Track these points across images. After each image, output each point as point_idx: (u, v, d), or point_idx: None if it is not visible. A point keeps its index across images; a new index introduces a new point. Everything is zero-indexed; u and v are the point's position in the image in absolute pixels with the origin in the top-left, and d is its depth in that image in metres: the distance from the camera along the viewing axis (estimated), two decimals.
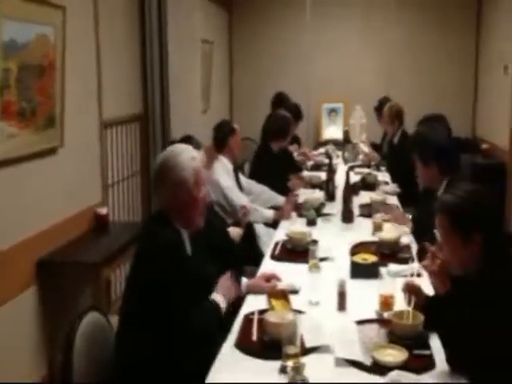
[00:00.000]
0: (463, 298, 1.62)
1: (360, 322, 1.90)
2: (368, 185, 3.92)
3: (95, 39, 3.27)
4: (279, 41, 6.66)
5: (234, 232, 3.06)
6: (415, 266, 2.34)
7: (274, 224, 3.32)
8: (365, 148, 5.08)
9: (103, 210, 3.19)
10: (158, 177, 1.85)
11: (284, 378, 1.57)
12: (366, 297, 2.08)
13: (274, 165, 4.01)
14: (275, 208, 3.49)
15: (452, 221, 1.68)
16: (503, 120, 5.09)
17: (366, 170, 4.45)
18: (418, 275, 2.21)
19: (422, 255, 2.17)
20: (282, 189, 3.94)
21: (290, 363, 1.59)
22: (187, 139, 3.07)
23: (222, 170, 3.46)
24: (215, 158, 3.50)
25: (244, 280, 2.20)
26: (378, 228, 2.83)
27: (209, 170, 3.32)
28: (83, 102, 3.15)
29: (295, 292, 2.17)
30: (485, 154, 5.50)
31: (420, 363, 1.62)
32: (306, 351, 1.70)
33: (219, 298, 1.91)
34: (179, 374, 1.73)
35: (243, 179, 3.71)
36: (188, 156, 1.84)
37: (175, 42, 4.26)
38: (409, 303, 1.80)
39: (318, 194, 3.57)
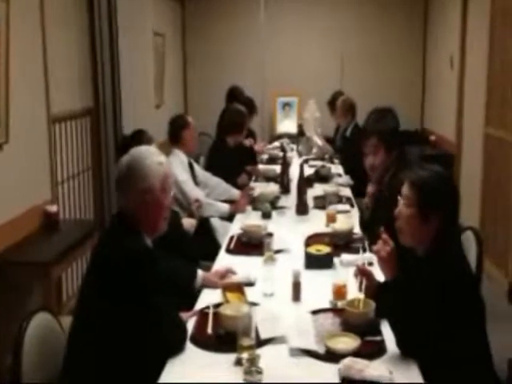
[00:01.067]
0: (409, 283, 1.68)
1: (314, 312, 1.93)
2: (322, 177, 3.98)
3: (41, 31, 3.16)
4: (233, 34, 6.65)
5: (188, 223, 3.04)
6: (367, 255, 2.40)
7: (229, 217, 3.32)
8: (319, 141, 5.14)
9: (53, 208, 3.10)
10: (122, 181, 1.78)
11: (239, 370, 1.58)
12: (320, 287, 2.12)
13: (230, 159, 4.01)
14: (231, 201, 3.49)
15: (418, 195, 1.73)
16: (450, 112, 5.27)
17: (319, 163, 4.51)
18: (370, 264, 2.27)
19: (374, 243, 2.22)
20: (238, 183, 3.95)
21: (244, 355, 1.60)
22: (139, 134, 3.02)
23: (178, 163, 3.43)
24: (170, 152, 3.47)
25: (200, 273, 2.20)
26: (331, 219, 2.87)
27: None
28: (29, 96, 3.04)
29: (251, 284, 2.18)
30: (433, 146, 5.68)
31: (372, 349, 1.66)
32: (261, 342, 1.72)
33: None
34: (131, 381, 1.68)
35: (199, 172, 3.68)
36: (155, 161, 1.77)
37: (126, 34, 4.18)
38: (360, 288, 1.85)
39: (273, 187, 3.59)
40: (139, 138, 2.97)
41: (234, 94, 5.28)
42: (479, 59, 4.44)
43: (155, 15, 5.30)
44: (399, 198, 1.81)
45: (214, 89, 6.15)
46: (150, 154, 1.80)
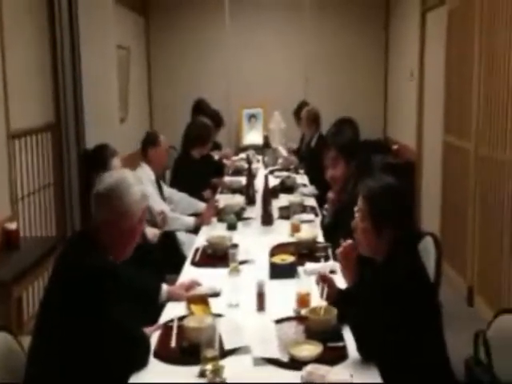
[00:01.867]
0: (368, 290, 1.72)
1: (278, 321, 1.94)
2: (287, 188, 4.03)
3: (0, 45, 3.11)
4: (198, 47, 6.67)
5: (151, 233, 3.03)
6: (330, 263, 2.44)
7: (195, 230, 3.32)
8: (284, 152, 5.20)
9: (12, 225, 3.03)
10: (102, 197, 1.74)
11: (203, 382, 1.58)
12: (284, 296, 2.14)
13: (195, 172, 4.02)
14: (196, 215, 3.49)
15: (371, 207, 1.78)
16: (411, 122, 5.42)
17: (285, 174, 4.56)
18: (333, 272, 2.31)
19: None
20: (204, 196, 3.95)
21: (208, 367, 1.60)
22: (102, 148, 3.01)
23: (144, 178, 3.42)
24: (138, 166, 3.47)
25: (164, 287, 2.20)
26: (295, 229, 2.91)
27: None
28: None
29: (216, 296, 2.19)
30: (395, 154, 5.82)
31: (334, 355, 1.69)
32: (225, 353, 1.72)
33: None
34: None
35: (165, 188, 3.68)
36: (140, 191, 1.77)
37: (89, 47, 4.15)
38: (322, 295, 1.88)
39: (239, 199, 3.62)
40: (102, 152, 2.96)
41: (200, 107, 5.30)
42: (437, 70, 4.59)
43: (118, 28, 5.28)
44: (355, 209, 1.86)
45: (180, 102, 6.14)
46: (137, 183, 1.81)
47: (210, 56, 6.64)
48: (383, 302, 1.64)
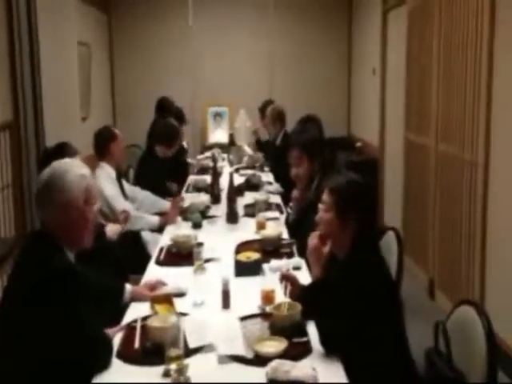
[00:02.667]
0: (332, 284, 1.74)
1: (243, 318, 1.95)
2: (252, 185, 4.03)
3: None
4: (162, 44, 6.60)
5: (111, 230, 2.96)
6: (295, 260, 2.46)
7: (160, 229, 3.28)
8: (249, 150, 5.21)
9: None
10: (42, 197, 1.71)
11: (167, 382, 1.56)
12: (250, 293, 2.14)
13: (160, 170, 3.97)
14: (161, 214, 3.46)
15: (335, 200, 1.81)
16: (373, 119, 5.51)
17: (250, 172, 4.57)
18: (297, 268, 2.33)
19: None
20: (168, 194, 3.91)
21: (173, 366, 1.59)
22: (62, 146, 2.94)
23: (105, 177, 3.36)
24: (97, 166, 3.39)
25: (128, 287, 2.17)
26: (261, 226, 2.92)
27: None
28: None
29: (181, 295, 2.17)
30: (359, 152, 5.91)
31: (298, 350, 1.70)
32: (190, 352, 1.71)
33: None
34: None
35: (127, 186, 3.63)
36: (76, 173, 1.72)
37: (48, 44, 4.04)
38: (285, 292, 1.89)
39: (204, 197, 3.60)
40: (62, 151, 2.88)
41: (164, 105, 5.25)
42: (399, 68, 4.69)
43: (80, 24, 5.18)
44: (320, 203, 1.88)
45: (144, 100, 6.07)
46: (71, 167, 1.75)
47: (175, 54, 6.59)
48: (346, 296, 1.67)
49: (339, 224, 1.80)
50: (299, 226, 2.70)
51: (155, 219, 3.36)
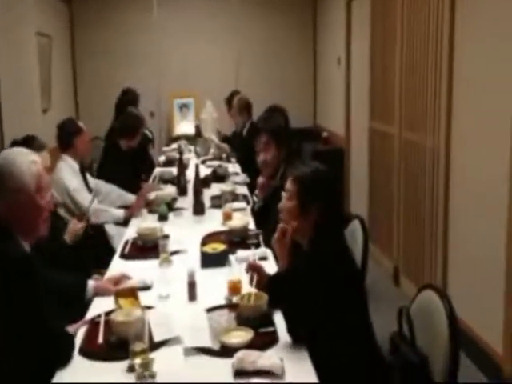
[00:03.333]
0: (297, 274, 1.74)
1: (210, 310, 1.93)
2: (219, 177, 4.01)
3: None
4: (126, 35, 6.47)
5: (72, 233, 2.85)
6: (261, 250, 2.46)
7: (125, 223, 3.23)
8: (216, 141, 5.17)
9: None
10: None
11: (132, 377, 1.54)
12: (216, 284, 2.13)
13: (124, 163, 3.90)
14: (125, 207, 3.40)
15: (298, 188, 1.81)
16: (339, 109, 5.55)
17: (217, 163, 4.54)
18: (263, 258, 2.33)
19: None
20: (133, 187, 3.84)
21: (137, 360, 1.56)
22: (30, 140, 2.84)
23: (68, 170, 3.28)
24: (60, 158, 3.30)
25: (91, 282, 2.12)
26: (227, 217, 2.90)
27: (52, 171, 3.13)
28: None
29: (146, 288, 2.14)
30: (325, 142, 5.95)
31: (265, 340, 1.70)
32: (156, 346, 1.69)
33: None
34: None
35: (91, 180, 3.55)
36: (26, 160, 1.68)
37: (5, 34, 3.91)
38: (251, 282, 1.89)
39: (170, 189, 3.56)
40: (29, 144, 2.78)
41: (128, 97, 5.14)
42: (363, 58, 4.72)
43: (39, 15, 5.01)
44: (283, 192, 1.88)
45: (107, 92, 5.93)
46: (20, 154, 1.72)
47: (139, 45, 6.46)
48: (311, 285, 1.67)
49: (301, 213, 1.79)
50: (265, 214, 2.70)
51: (120, 212, 3.31)
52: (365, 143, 4.72)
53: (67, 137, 3.30)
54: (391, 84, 4.04)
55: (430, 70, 3.35)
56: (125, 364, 1.59)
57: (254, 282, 1.88)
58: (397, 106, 3.93)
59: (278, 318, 1.79)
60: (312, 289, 1.65)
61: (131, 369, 1.57)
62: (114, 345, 1.69)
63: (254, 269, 1.92)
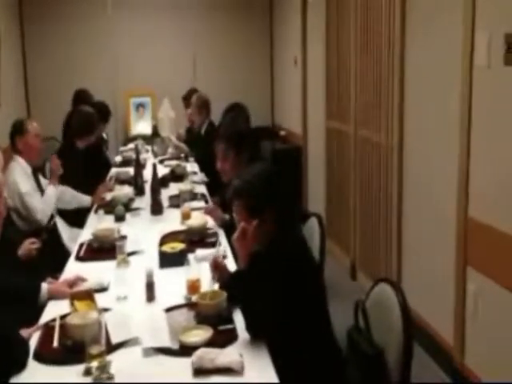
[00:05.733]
0: (256, 268, 1.75)
1: (169, 310, 1.92)
2: (177, 176, 3.98)
3: None
4: (80, 33, 6.30)
5: (25, 252, 2.71)
6: (222, 248, 2.46)
7: (80, 224, 3.16)
8: (175, 140, 5.13)
9: None
10: None
11: (89, 380, 1.51)
12: (175, 284, 2.11)
13: (80, 163, 3.82)
14: (80, 209, 3.34)
15: (245, 203, 1.79)
16: (296, 108, 5.61)
17: (175, 162, 4.50)
18: (224, 257, 2.33)
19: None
20: (89, 187, 3.76)
21: (94, 363, 1.53)
22: None
23: (20, 172, 3.18)
24: (12, 159, 3.20)
25: (44, 286, 2.06)
26: (186, 217, 2.89)
27: (4, 173, 3.02)
28: None
29: (102, 290, 2.11)
30: (283, 140, 6.00)
31: (224, 338, 1.70)
32: (113, 348, 1.66)
33: None
34: None
35: (43, 182, 3.45)
36: None
37: None
38: (214, 279, 1.89)
39: (127, 190, 3.51)
40: None
41: (82, 97, 5.02)
42: (318, 59, 4.78)
43: None
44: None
45: (61, 90, 5.79)
46: None
47: (93, 43, 6.32)
48: (270, 282, 1.68)
49: (258, 223, 1.77)
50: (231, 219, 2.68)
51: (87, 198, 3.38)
52: (321, 141, 4.79)
53: (14, 138, 3.21)
54: (346, 84, 4.12)
55: (383, 70, 3.43)
56: (81, 368, 1.56)
57: (217, 279, 1.88)
58: (352, 104, 4.00)
59: (238, 316, 1.80)
60: (270, 285, 1.66)
61: (88, 372, 1.54)
62: (70, 348, 1.65)
63: (216, 267, 1.92)
